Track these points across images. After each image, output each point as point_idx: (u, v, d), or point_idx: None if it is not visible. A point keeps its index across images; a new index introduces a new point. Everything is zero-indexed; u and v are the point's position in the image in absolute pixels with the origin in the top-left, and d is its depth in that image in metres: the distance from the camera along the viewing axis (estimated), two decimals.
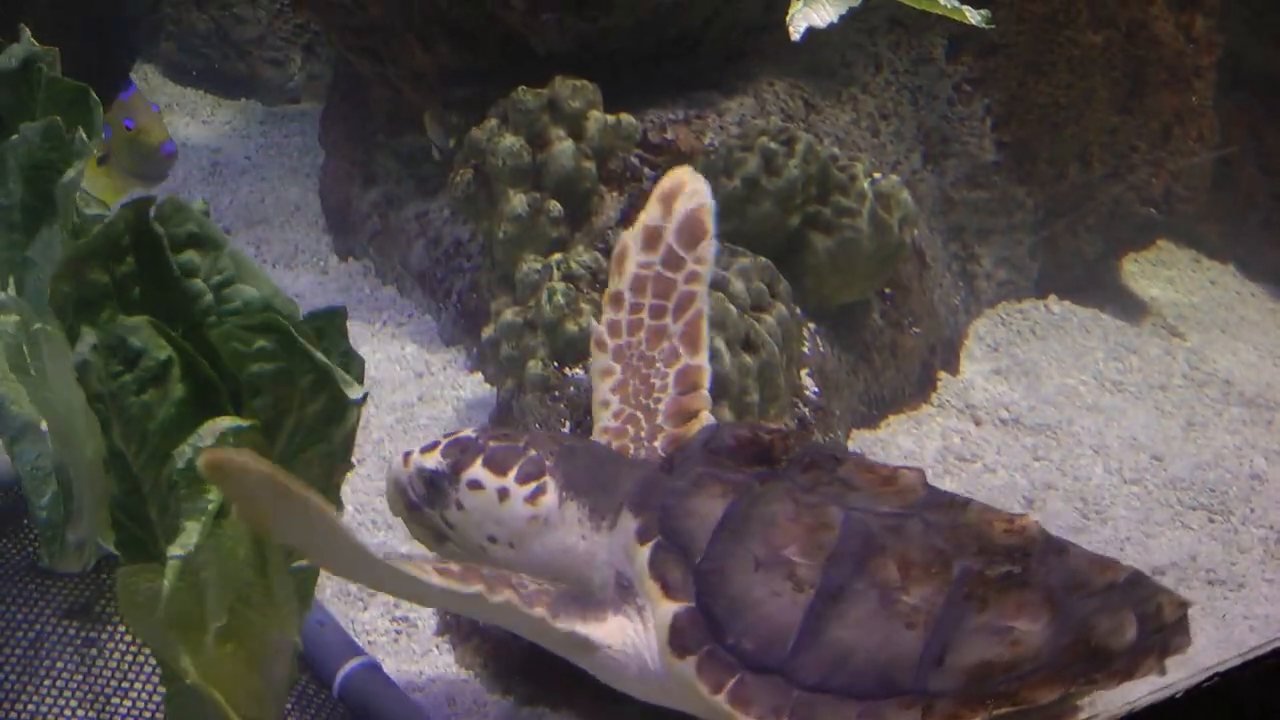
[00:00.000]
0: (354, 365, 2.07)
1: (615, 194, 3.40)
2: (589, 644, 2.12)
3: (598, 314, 2.99)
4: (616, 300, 2.47)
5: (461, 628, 2.66)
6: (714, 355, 2.78)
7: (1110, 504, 3.38)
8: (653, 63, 3.66)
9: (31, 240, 2.48)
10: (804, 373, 3.15)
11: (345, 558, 1.96)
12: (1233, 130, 4.64)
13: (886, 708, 1.98)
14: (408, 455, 2.30)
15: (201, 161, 4.81)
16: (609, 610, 2.15)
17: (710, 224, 2.47)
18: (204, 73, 5.40)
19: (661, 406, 2.43)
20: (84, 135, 2.40)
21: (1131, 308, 4.44)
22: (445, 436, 2.31)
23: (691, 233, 2.46)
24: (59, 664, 2.38)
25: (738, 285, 2.97)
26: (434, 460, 2.27)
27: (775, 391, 2.95)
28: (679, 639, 2.07)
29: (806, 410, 3.09)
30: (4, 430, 2.55)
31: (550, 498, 2.23)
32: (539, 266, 3.16)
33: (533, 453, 2.26)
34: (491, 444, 2.28)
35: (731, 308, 2.89)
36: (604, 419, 2.45)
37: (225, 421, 1.94)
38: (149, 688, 2.36)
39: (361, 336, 3.74)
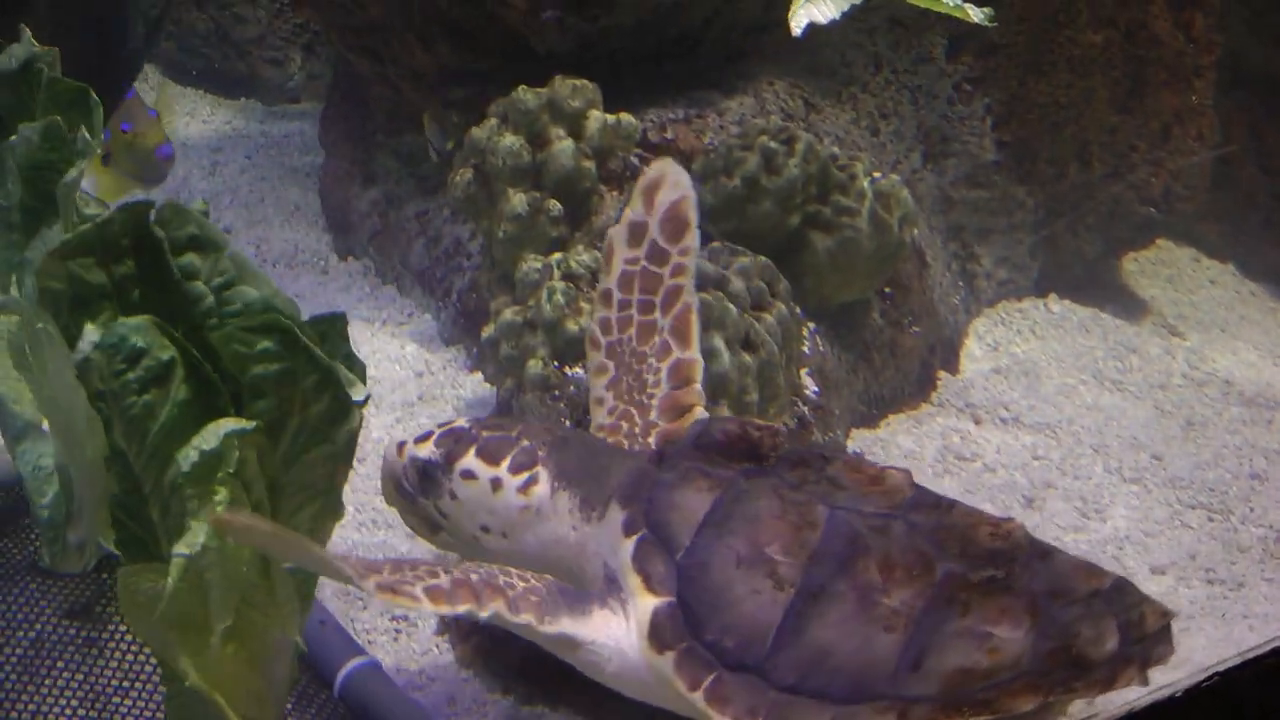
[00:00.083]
0: (355, 369, 2.07)
1: (615, 193, 3.40)
2: (574, 641, 2.12)
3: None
4: (606, 297, 2.47)
5: (461, 627, 2.66)
6: (713, 354, 2.78)
7: (1110, 503, 3.38)
8: (653, 62, 3.67)
9: (31, 240, 2.48)
10: (803, 372, 3.15)
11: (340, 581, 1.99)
12: (1232, 130, 4.64)
13: (862, 712, 1.97)
14: (402, 445, 2.30)
15: (201, 161, 4.81)
16: (595, 604, 2.14)
17: (693, 216, 2.46)
18: (204, 72, 5.40)
19: (655, 402, 2.42)
20: (86, 135, 2.40)
21: (1131, 307, 4.44)
22: (439, 426, 2.31)
23: (674, 225, 2.45)
24: (59, 664, 2.38)
25: (737, 284, 2.97)
26: (428, 450, 2.27)
27: (775, 391, 2.95)
28: (658, 634, 2.07)
29: (806, 409, 3.09)
30: (6, 430, 2.55)
31: (542, 488, 2.23)
32: (539, 266, 3.16)
33: (525, 443, 2.26)
34: (484, 434, 2.28)
35: (731, 307, 2.89)
36: (599, 416, 2.45)
37: (228, 423, 1.94)
38: (149, 687, 2.36)
39: (361, 336, 3.75)
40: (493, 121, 3.43)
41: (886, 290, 3.57)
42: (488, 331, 3.16)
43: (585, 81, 3.42)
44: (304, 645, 2.17)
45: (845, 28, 3.85)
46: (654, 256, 2.45)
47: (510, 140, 3.38)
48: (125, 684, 2.37)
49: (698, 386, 2.44)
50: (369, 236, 4.16)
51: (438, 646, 2.69)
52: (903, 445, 3.50)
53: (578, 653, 2.14)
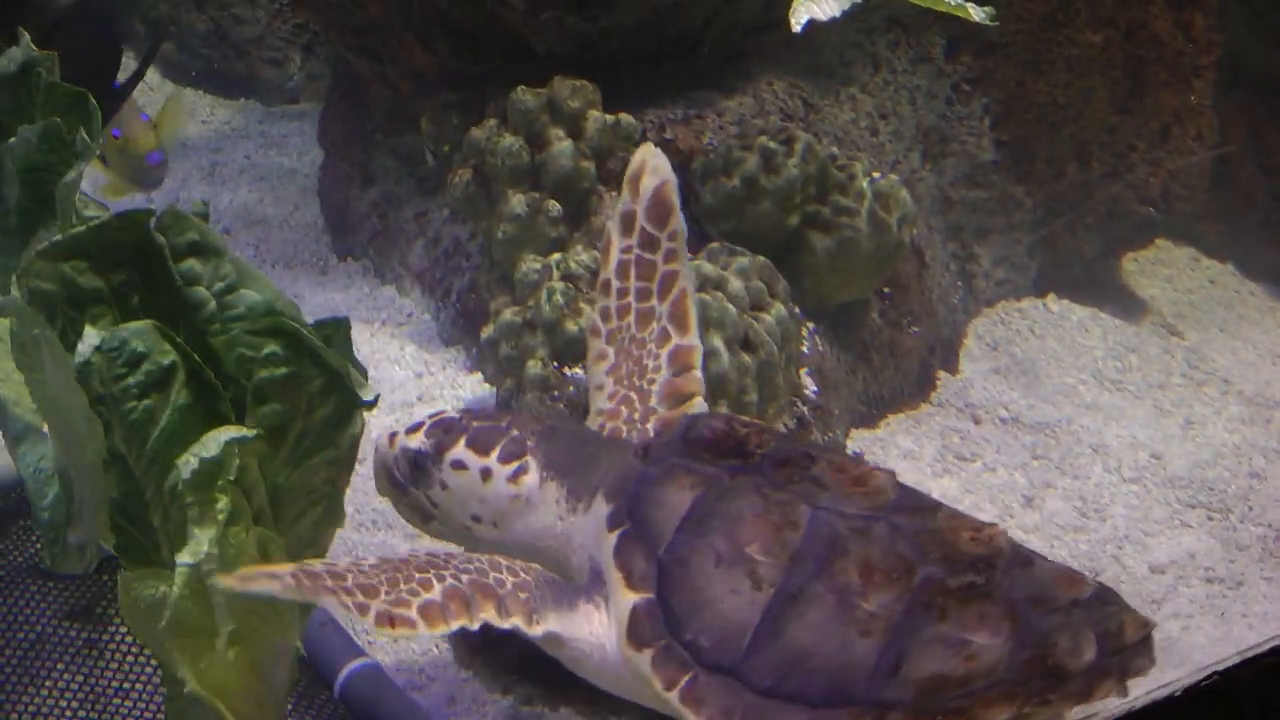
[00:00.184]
0: (358, 374, 2.08)
1: (614, 194, 3.40)
2: (559, 639, 2.12)
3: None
4: (605, 287, 2.47)
5: None
6: (712, 354, 2.78)
7: (1109, 502, 3.38)
8: (653, 63, 3.67)
9: (29, 243, 2.48)
10: (803, 372, 3.15)
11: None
12: (1231, 129, 4.64)
13: (838, 717, 1.96)
14: (393, 436, 2.30)
15: (201, 162, 4.81)
16: (581, 598, 2.14)
17: (674, 199, 2.45)
18: (203, 73, 5.40)
19: (655, 388, 2.42)
20: (85, 138, 2.40)
21: (1130, 306, 4.44)
22: (429, 417, 2.32)
23: (659, 211, 2.45)
24: (60, 665, 2.39)
25: (736, 284, 2.97)
26: (418, 440, 2.27)
27: (774, 391, 2.95)
28: (637, 631, 2.06)
29: (805, 410, 3.09)
30: (7, 431, 2.55)
31: (532, 477, 2.23)
32: (538, 266, 3.16)
33: (515, 432, 2.26)
34: (475, 424, 2.28)
35: (730, 307, 2.89)
36: (599, 401, 2.45)
37: (229, 431, 1.95)
38: (150, 688, 2.36)
39: (361, 337, 3.75)
40: (492, 122, 3.43)
41: (886, 290, 3.58)
42: (487, 332, 3.16)
43: (584, 82, 3.42)
44: (302, 649, 2.17)
45: (844, 28, 3.85)
46: (646, 243, 2.45)
47: (509, 141, 3.38)
48: (125, 685, 2.37)
49: (697, 373, 2.43)
50: (368, 237, 4.16)
51: (437, 646, 2.69)
52: (902, 445, 3.51)
53: (563, 650, 2.14)
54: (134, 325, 1.94)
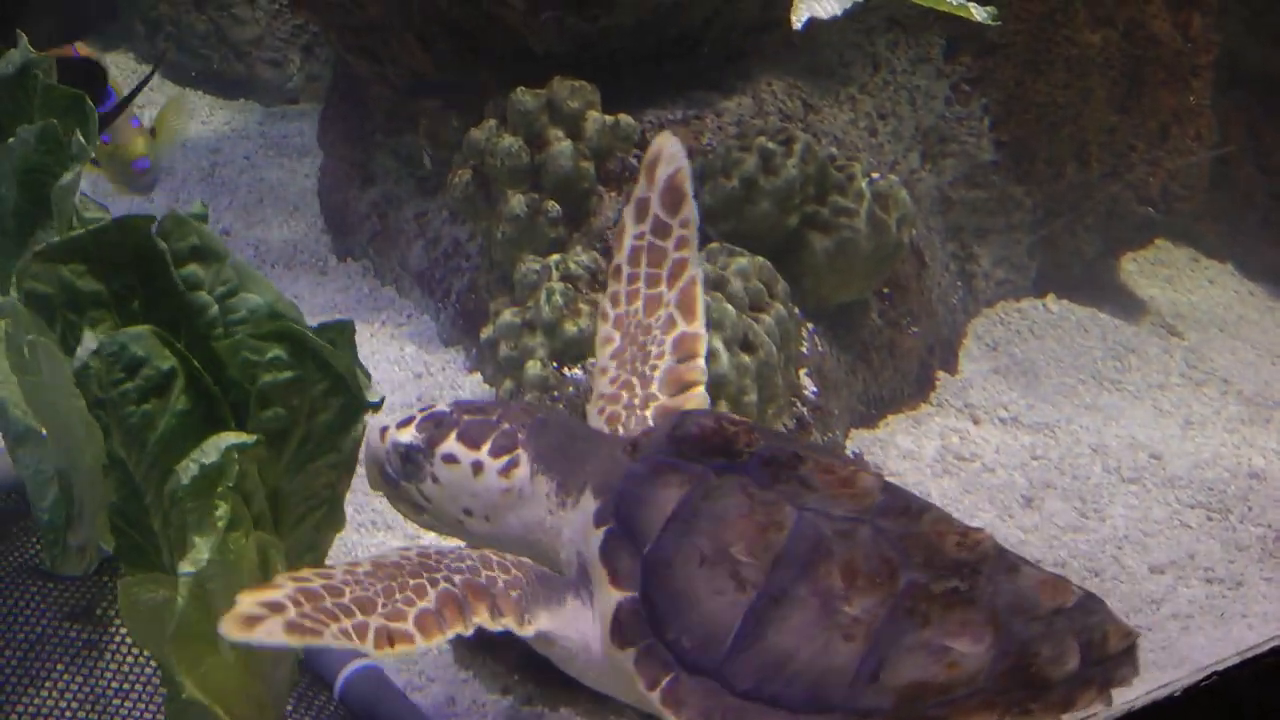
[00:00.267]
0: (363, 377, 2.08)
1: (614, 194, 3.40)
2: (549, 638, 2.12)
3: (597, 315, 2.99)
4: (616, 272, 2.47)
5: None
6: (712, 355, 2.78)
7: (1109, 503, 3.38)
8: (652, 63, 3.67)
9: (26, 245, 2.47)
10: (802, 372, 3.15)
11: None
12: (1230, 129, 4.65)
13: None
14: (384, 430, 2.29)
15: (200, 162, 4.81)
16: (570, 594, 2.13)
17: (688, 186, 2.45)
18: (203, 73, 5.41)
19: (657, 374, 2.41)
20: (81, 140, 2.40)
21: (1130, 307, 4.44)
22: (420, 411, 2.31)
23: (672, 197, 2.45)
24: (60, 665, 2.39)
25: (736, 285, 2.97)
26: (409, 435, 2.26)
27: (773, 391, 2.95)
28: (620, 630, 2.05)
29: (805, 410, 3.09)
30: (6, 433, 2.55)
31: (523, 470, 2.23)
32: (538, 267, 3.17)
33: (505, 426, 2.25)
34: (465, 418, 2.27)
35: (729, 307, 2.90)
36: (601, 384, 2.44)
37: (229, 437, 1.94)
38: (150, 689, 2.36)
39: (360, 337, 3.70)
40: (491, 122, 3.44)
41: (885, 291, 3.58)
42: (487, 332, 3.16)
43: (584, 82, 3.42)
44: (301, 651, 2.17)
45: (844, 28, 3.86)
46: (658, 230, 2.46)
47: (509, 141, 3.38)
48: (125, 686, 2.37)
49: (701, 362, 2.42)
50: (368, 237, 4.16)
51: (437, 647, 2.69)
52: (901, 445, 3.51)
53: (552, 649, 2.14)
54: (133, 330, 1.94)
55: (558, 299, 3.00)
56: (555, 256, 3.18)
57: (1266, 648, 1.75)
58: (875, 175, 3.40)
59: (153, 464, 1.97)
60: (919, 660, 1.96)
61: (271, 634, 1.85)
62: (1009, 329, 4.16)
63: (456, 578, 2.07)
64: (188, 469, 1.92)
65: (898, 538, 2.04)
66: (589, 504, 2.16)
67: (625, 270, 2.46)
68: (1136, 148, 4.30)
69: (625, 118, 3.43)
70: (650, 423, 2.36)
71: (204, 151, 4.90)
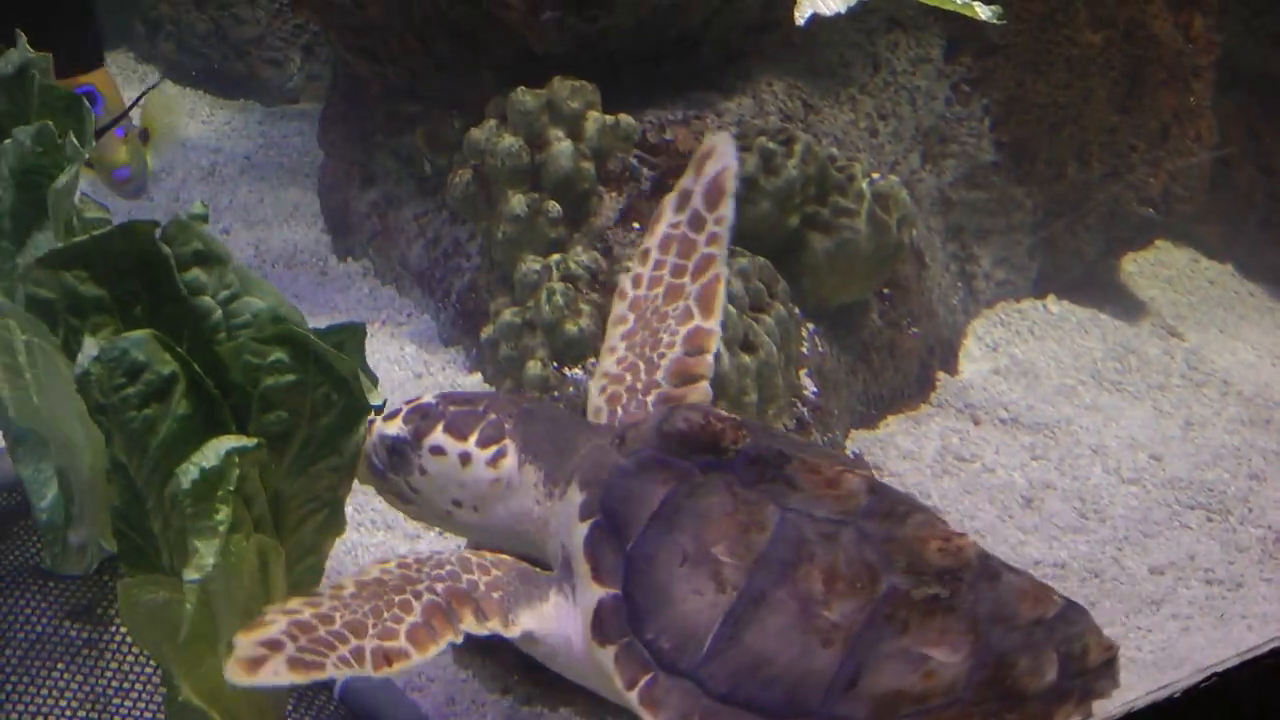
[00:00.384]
0: (369, 381, 2.09)
1: (614, 195, 3.40)
2: (533, 637, 2.12)
3: (597, 315, 2.99)
4: (644, 256, 2.49)
5: None
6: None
7: (1109, 503, 3.38)
8: (652, 63, 3.67)
9: (22, 246, 2.47)
10: (802, 373, 3.16)
11: None
12: (1231, 130, 4.64)
13: None
14: (370, 423, 2.30)
15: (200, 162, 4.81)
16: (553, 589, 2.13)
17: (730, 186, 2.48)
18: (203, 73, 5.41)
19: (665, 362, 2.41)
20: (75, 141, 2.40)
21: (1130, 307, 4.44)
22: (406, 403, 2.31)
23: (714, 195, 2.47)
24: (60, 665, 2.39)
25: (736, 285, 2.98)
26: (396, 427, 2.27)
27: (773, 392, 2.95)
28: (601, 626, 2.05)
29: (805, 410, 3.09)
30: (6, 432, 2.55)
31: (511, 460, 2.23)
32: (538, 267, 3.17)
33: (492, 416, 2.25)
34: (451, 409, 2.27)
35: (730, 308, 2.90)
36: (607, 364, 2.44)
37: (229, 440, 1.95)
38: (150, 688, 2.36)
39: None
40: (491, 122, 3.44)
41: (885, 291, 3.58)
42: (487, 332, 3.16)
43: (584, 82, 3.42)
44: None
45: (844, 28, 3.86)
46: (693, 223, 2.47)
47: (509, 141, 3.38)
48: (125, 685, 2.37)
49: (709, 359, 2.42)
50: (368, 237, 4.16)
51: None
52: (902, 446, 3.51)
53: (537, 647, 2.14)
54: (133, 335, 1.94)
55: (558, 299, 3.00)
56: (555, 256, 3.18)
57: (1266, 649, 1.76)
58: (876, 176, 3.40)
59: (154, 468, 1.97)
60: (896, 668, 1.94)
61: (278, 674, 1.86)
62: (1009, 330, 4.16)
63: (439, 586, 2.07)
64: (188, 472, 1.92)
65: (881, 541, 2.03)
66: (575, 496, 2.16)
67: (653, 255, 2.47)
68: (1137, 148, 4.30)
69: (625, 118, 3.43)
70: (651, 409, 2.35)
71: (204, 151, 4.90)
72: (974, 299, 4.17)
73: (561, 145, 3.36)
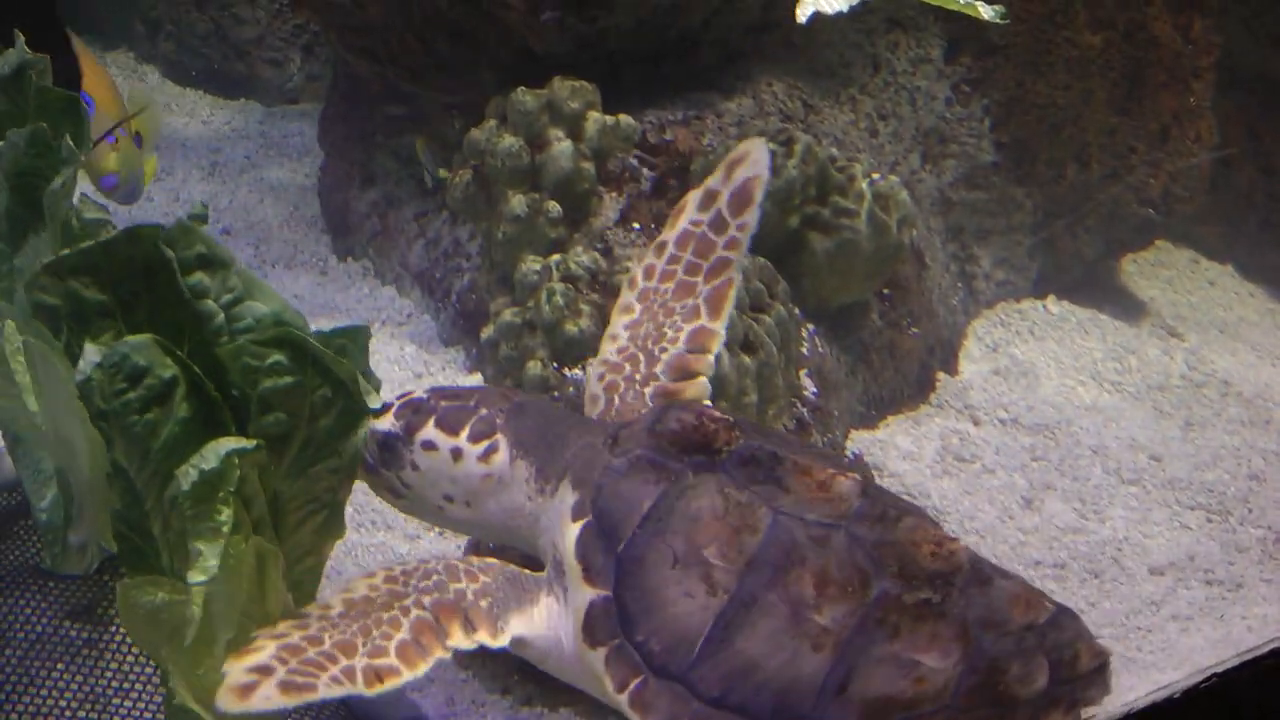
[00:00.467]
0: (370, 384, 2.09)
1: (614, 195, 3.40)
2: (524, 641, 2.12)
3: (597, 315, 2.99)
4: (660, 248, 2.49)
5: None
6: None
7: (1109, 504, 3.38)
8: (652, 63, 3.67)
9: (18, 248, 2.47)
10: (802, 373, 3.16)
11: None
12: (1231, 131, 4.64)
13: None
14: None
15: (201, 162, 4.81)
16: (543, 590, 2.13)
17: (759, 195, 2.49)
18: (203, 73, 5.41)
19: (666, 357, 2.41)
20: (70, 143, 2.40)
21: (1130, 308, 4.44)
22: (397, 399, 2.31)
23: (740, 200, 2.48)
24: (60, 665, 2.39)
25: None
26: (387, 423, 2.27)
27: (773, 392, 2.95)
28: (591, 628, 2.05)
29: (805, 411, 3.09)
30: (5, 432, 2.55)
31: (502, 455, 2.23)
32: (538, 267, 3.17)
33: (483, 411, 2.25)
34: (443, 404, 2.27)
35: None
36: (608, 351, 2.44)
37: (229, 442, 1.95)
38: (150, 688, 2.36)
39: None
40: (491, 123, 3.44)
41: (885, 291, 3.58)
42: (487, 332, 3.16)
43: (584, 83, 3.42)
44: None
45: (844, 29, 3.85)
46: (715, 224, 2.48)
47: (509, 141, 3.38)
48: (125, 685, 2.37)
49: (710, 358, 2.43)
50: (368, 237, 4.16)
51: None
52: (901, 446, 3.50)
53: (527, 650, 2.13)
54: (134, 340, 1.94)
55: (558, 299, 3.00)
56: (556, 257, 3.18)
57: (1266, 649, 1.76)
58: (876, 176, 3.40)
59: (155, 472, 1.98)
60: (887, 673, 1.94)
61: (269, 699, 1.86)
62: (1009, 330, 4.16)
63: (426, 599, 2.06)
64: (187, 474, 1.93)
65: (872, 545, 2.02)
66: (567, 495, 2.15)
67: (669, 250, 2.48)
68: (1137, 149, 4.30)
69: (625, 118, 3.43)
70: (649, 402, 2.35)
71: (204, 151, 4.90)
72: (974, 299, 4.17)
73: (561, 145, 3.36)
